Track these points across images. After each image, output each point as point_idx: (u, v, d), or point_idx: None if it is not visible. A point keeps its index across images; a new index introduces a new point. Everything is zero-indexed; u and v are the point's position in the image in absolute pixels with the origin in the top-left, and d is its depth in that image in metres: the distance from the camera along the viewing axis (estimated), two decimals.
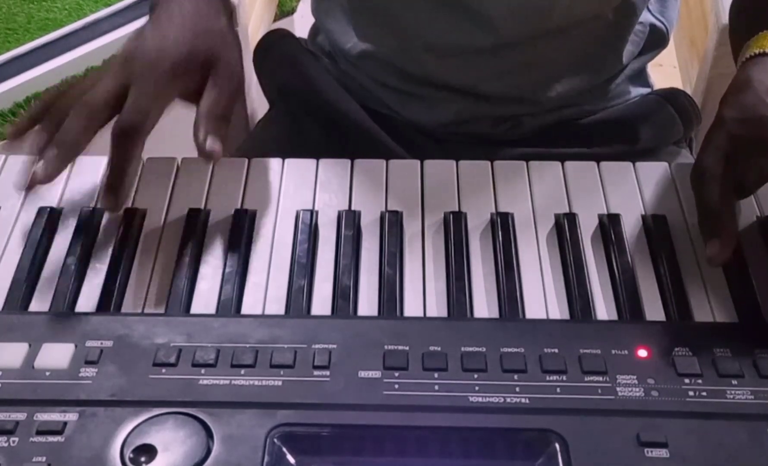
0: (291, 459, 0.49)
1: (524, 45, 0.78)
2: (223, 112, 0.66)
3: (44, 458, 0.48)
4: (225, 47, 0.68)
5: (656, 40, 0.86)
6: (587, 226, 0.64)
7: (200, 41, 0.67)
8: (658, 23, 0.85)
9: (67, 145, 0.62)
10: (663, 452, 0.49)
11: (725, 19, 0.81)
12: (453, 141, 0.85)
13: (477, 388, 0.52)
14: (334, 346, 0.54)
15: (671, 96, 0.87)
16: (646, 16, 0.83)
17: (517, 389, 0.52)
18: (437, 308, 0.59)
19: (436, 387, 0.52)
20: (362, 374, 0.53)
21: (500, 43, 0.78)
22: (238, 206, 0.66)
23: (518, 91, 0.82)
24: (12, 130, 0.65)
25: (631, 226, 0.65)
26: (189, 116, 0.68)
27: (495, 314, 0.59)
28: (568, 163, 0.70)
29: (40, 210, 0.65)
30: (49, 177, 0.62)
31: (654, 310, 0.59)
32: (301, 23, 1.75)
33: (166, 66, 0.64)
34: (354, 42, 0.84)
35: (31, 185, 0.62)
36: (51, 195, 0.67)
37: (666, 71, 1.15)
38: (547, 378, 0.52)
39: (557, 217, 0.65)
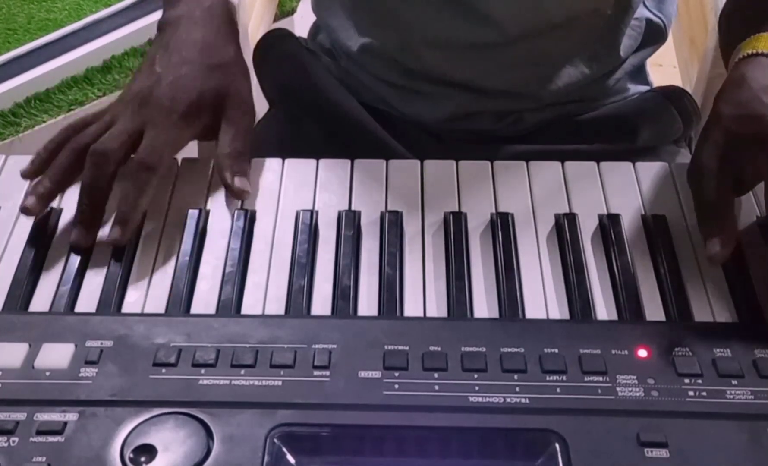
0: (291, 459, 0.49)
1: (525, 41, 0.78)
2: (243, 149, 0.68)
3: (44, 458, 0.48)
4: (235, 81, 0.70)
5: (654, 36, 0.86)
6: (587, 227, 0.64)
7: (212, 81, 0.68)
8: (654, 18, 0.85)
9: (92, 205, 0.63)
10: (663, 452, 0.49)
11: None
12: (454, 138, 0.85)
13: (477, 388, 0.52)
14: (334, 346, 0.54)
15: (671, 94, 0.87)
16: (642, 12, 0.84)
17: (517, 389, 0.52)
18: (437, 308, 0.59)
19: (436, 387, 0.52)
20: (362, 374, 0.52)
21: (501, 39, 0.78)
22: (238, 206, 0.66)
23: (519, 85, 0.82)
24: (29, 170, 0.66)
25: (631, 226, 0.65)
26: None
27: (495, 314, 0.59)
28: (568, 163, 0.70)
29: None
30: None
31: (654, 310, 0.59)
32: (301, 23, 1.75)
33: (181, 113, 0.66)
34: (354, 38, 0.84)
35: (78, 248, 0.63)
36: None
37: (666, 71, 1.15)
38: (547, 378, 0.52)
39: (557, 217, 0.65)
